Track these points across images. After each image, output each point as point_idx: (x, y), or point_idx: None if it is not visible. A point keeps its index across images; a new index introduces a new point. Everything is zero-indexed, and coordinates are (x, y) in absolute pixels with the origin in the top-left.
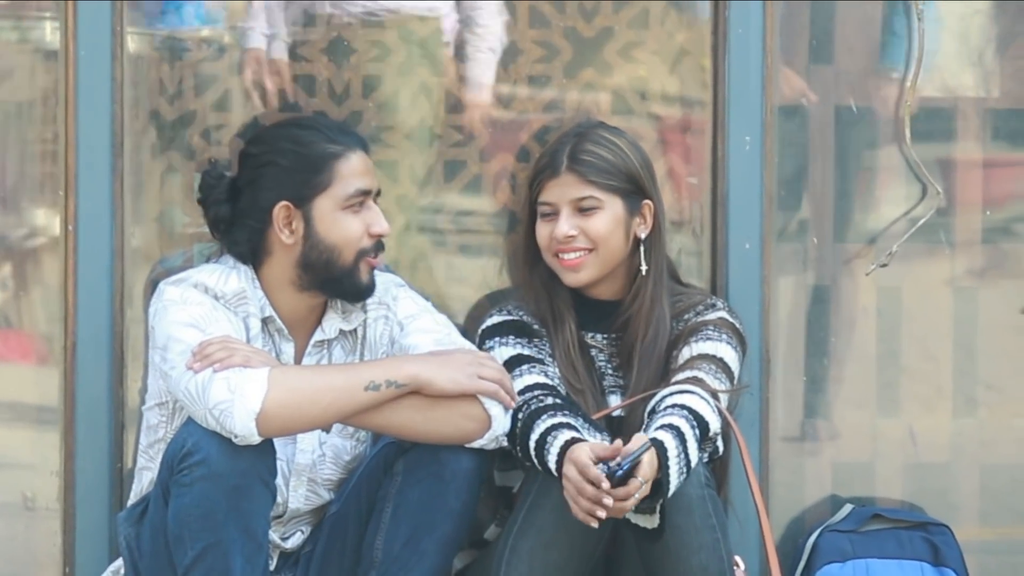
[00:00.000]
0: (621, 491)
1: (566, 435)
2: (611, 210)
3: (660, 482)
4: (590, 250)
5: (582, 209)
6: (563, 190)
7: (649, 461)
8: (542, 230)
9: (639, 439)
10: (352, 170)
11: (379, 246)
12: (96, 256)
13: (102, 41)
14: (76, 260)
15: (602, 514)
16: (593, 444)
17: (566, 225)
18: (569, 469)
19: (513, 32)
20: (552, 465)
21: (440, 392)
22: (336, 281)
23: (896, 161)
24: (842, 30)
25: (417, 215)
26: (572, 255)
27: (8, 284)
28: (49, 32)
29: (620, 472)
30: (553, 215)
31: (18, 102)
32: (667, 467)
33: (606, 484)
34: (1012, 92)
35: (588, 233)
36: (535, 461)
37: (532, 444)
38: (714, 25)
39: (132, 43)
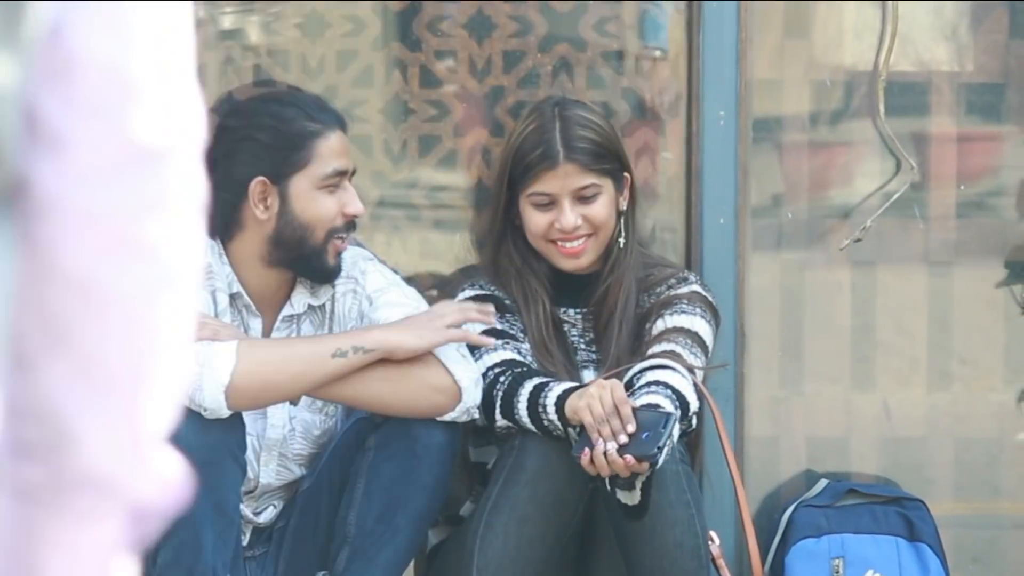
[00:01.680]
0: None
1: (566, 385)
2: (607, 193)
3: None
4: (591, 235)
5: (583, 197)
6: (564, 181)
7: None
8: (538, 219)
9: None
10: (331, 150)
11: (350, 227)
12: None
13: None
14: None
15: (612, 446)
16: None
17: (572, 215)
18: (604, 393)
19: (488, 7)
20: (551, 407)
21: (411, 352)
22: (305, 259)
23: (870, 135)
24: (816, 4)
25: (391, 190)
26: (575, 243)
27: None
28: None
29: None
30: (550, 205)
31: None
32: (661, 446)
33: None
34: (986, 66)
35: (591, 220)
36: (522, 413)
37: (524, 395)
38: None
39: None
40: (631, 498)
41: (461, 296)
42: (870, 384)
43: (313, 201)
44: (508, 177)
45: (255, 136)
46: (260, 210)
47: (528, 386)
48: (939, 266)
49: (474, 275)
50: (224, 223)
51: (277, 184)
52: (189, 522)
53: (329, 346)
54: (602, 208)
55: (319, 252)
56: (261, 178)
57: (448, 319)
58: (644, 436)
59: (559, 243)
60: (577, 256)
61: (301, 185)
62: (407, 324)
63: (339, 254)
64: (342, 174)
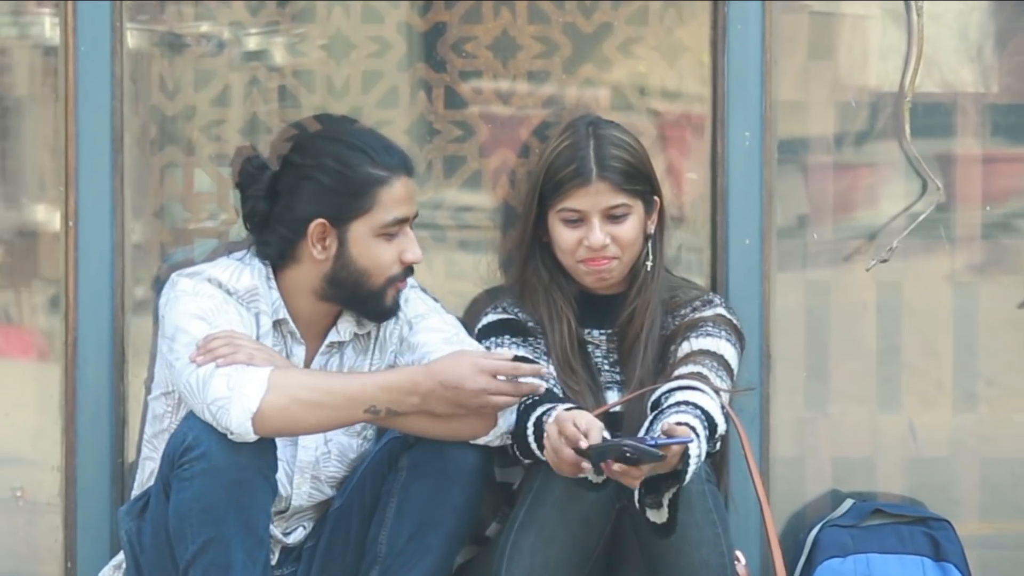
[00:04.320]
0: (628, 469)
1: (561, 408)
2: (636, 214)
3: (676, 474)
4: (617, 256)
5: (612, 216)
6: (595, 199)
7: (676, 452)
8: (567, 236)
9: (682, 430)
10: (393, 198)
11: (408, 272)
12: (96, 251)
13: (102, 37)
14: (76, 255)
15: (587, 464)
16: (579, 412)
17: (600, 234)
18: (550, 428)
19: (513, 28)
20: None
21: (442, 414)
22: (360, 301)
23: (896, 156)
24: (841, 25)
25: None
26: (602, 262)
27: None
28: (49, 28)
29: (653, 443)
30: (579, 221)
31: (18, 97)
32: (687, 464)
33: (583, 443)
34: (1011, 87)
35: (619, 240)
36: (534, 448)
37: (530, 431)
38: (713, 21)
39: (132, 39)
40: (659, 516)
41: (484, 320)
42: (896, 405)
43: (370, 248)
44: (539, 193)
45: (318, 177)
46: (318, 250)
47: (530, 426)
48: (965, 287)
49: (498, 296)
50: (279, 254)
51: (336, 227)
52: (219, 541)
53: (365, 399)
54: (631, 229)
55: (376, 296)
56: (321, 220)
57: (497, 401)
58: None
59: (586, 261)
60: (602, 275)
61: (360, 231)
62: (453, 395)
63: (398, 293)
64: (403, 221)
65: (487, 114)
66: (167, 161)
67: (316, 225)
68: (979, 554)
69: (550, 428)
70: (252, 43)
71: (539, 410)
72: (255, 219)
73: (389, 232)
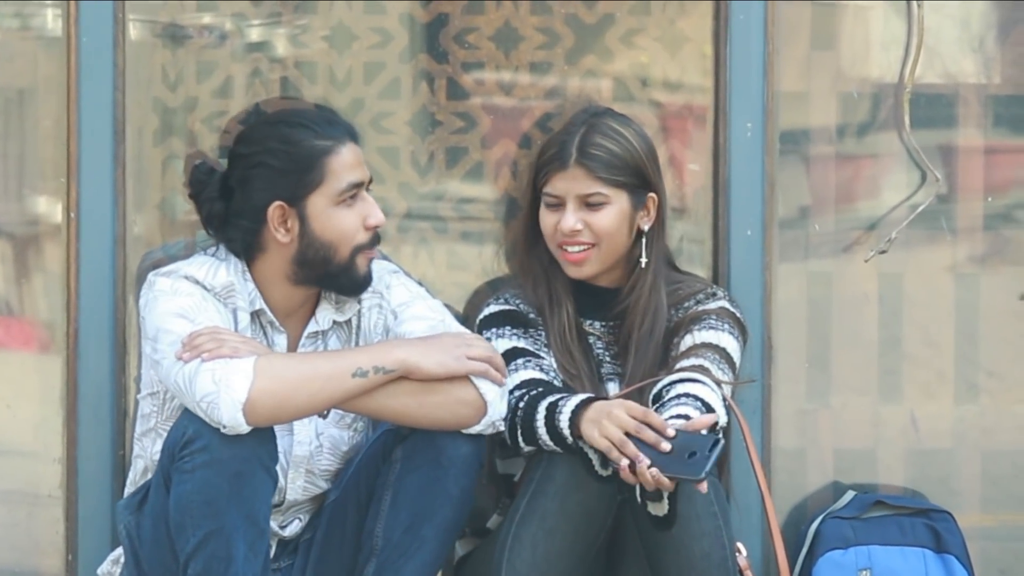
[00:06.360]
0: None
1: (578, 398)
2: (617, 205)
3: None
4: (593, 244)
5: (589, 204)
6: (570, 184)
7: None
8: (547, 219)
9: (703, 421)
10: (343, 164)
11: (376, 238)
12: (98, 243)
13: (104, 28)
14: (78, 247)
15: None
16: (628, 402)
17: (572, 219)
18: (619, 413)
19: (515, 19)
20: (565, 423)
21: (428, 376)
22: (333, 276)
23: (896, 147)
24: (843, 16)
25: (418, 202)
26: (576, 249)
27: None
28: (51, 19)
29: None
30: (558, 206)
31: (20, 89)
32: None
33: (671, 431)
34: (1013, 78)
35: (593, 228)
36: (543, 435)
37: (540, 418)
38: (716, 11)
39: (134, 30)
40: (660, 509)
41: (485, 312)
42: (897, 396)
43: (332, 218)
44: (533, 177)
45: (267, 162)
46: (281, 233)
47: (542, 409)
48: (966, 278)
49: (500, 288)
50: (246, 247)
51: (295, 206)
52: (220, 533)
53: (350, 364)
54: (607, 219)
55: (347, 268)
56: (278, 203)
57: (473, 351)
58: (688, 456)
59: (561, 246)
60: (579, 264)
61: (318, 204)
62: (431, 345)
63: (370, 261)
64: (358, 186)
65: (489, 105)
66: (169, 153)
67: (274, 209)
68: (980, 546)
69: (618, 412)
70: (254, 34)
71: (551, 398)
72: (214, 221)
73: (346, 199)
